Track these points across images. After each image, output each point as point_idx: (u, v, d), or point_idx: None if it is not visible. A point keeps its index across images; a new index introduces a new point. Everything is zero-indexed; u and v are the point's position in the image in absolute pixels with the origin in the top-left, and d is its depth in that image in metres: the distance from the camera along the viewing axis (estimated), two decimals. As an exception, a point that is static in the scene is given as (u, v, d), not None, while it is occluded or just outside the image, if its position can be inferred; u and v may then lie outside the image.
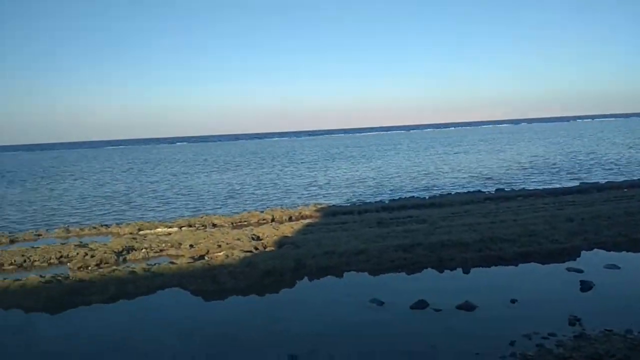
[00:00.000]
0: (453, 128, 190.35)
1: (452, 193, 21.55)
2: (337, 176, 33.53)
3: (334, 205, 19.75)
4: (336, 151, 67.57)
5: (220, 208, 21.53)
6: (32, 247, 13.93)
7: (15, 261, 12.79)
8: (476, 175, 29.68)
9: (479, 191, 21.39)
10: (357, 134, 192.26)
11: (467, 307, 8.17)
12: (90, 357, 7.26)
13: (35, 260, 12.84)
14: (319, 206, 18.96)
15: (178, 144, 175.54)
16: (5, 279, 10.85)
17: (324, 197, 23.75)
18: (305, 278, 10.48)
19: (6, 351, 7.66)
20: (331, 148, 77.50)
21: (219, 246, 12.97)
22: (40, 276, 10.72)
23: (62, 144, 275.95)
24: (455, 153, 50.58)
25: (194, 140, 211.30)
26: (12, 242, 16.03)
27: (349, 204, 20.09)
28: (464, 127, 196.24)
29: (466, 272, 10.32)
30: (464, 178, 28.43)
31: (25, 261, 12.81)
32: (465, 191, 21.91)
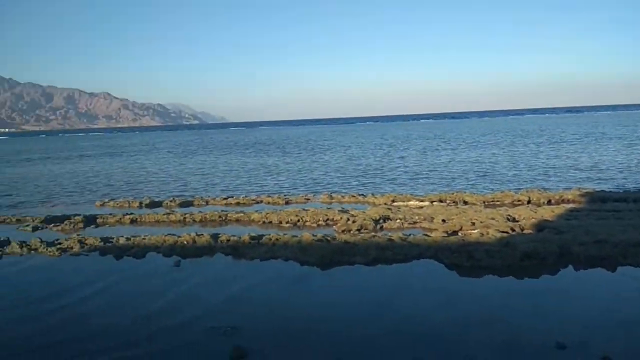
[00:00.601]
0: None
1: None
2: (606, 158, 29.58)
3: (602, 190, 17.53)
4: (601, 130, 59.49)
5: (471, 187, 21.11)
6: (303, 209, 15.86)
7: (290, 220, 14.80)
8: None
9: None
10: (630, 111, 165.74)
11: None
12: (358, 315, 7.99)
13: (307, 221, 14.63)
14: (584, 190, 17.07)
15: (422, 120, 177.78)
16: (284, 234, 12.66)
17: (590, 180, 21.26)
18: (570, 266, 9.64)
19: (292, 297, 8.95)
20: (596, 127, 68.49)
21: (473, 224, 12.79)
22: (313, 235, 12.18)
23: (311, 120, 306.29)
24: None
25: (439, 117, 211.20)
26: (287, 203, 18.57)
27: (621, 190, 17.60)
28: None
29: None
30: None
31: (298, 221, 14.72)
32: None
